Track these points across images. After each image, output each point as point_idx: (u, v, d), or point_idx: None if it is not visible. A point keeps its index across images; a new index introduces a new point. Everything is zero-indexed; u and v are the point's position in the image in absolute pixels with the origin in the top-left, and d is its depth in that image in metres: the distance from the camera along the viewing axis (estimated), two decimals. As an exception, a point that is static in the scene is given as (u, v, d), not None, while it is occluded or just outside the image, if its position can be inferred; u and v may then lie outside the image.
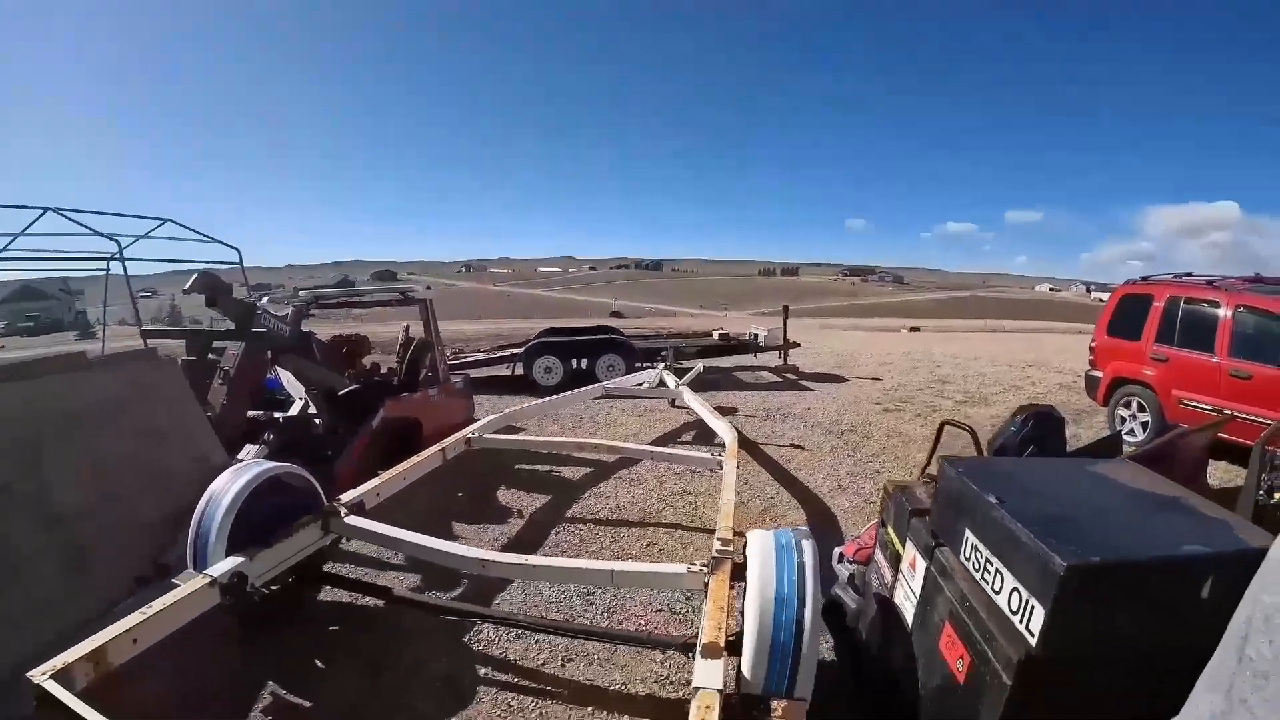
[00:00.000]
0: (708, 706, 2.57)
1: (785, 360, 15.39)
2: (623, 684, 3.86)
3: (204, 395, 6.57)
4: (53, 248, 12.08)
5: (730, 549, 3.66)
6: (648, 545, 5.70)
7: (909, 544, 3.34)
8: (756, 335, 15.20)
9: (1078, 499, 2.82)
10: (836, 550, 4.54)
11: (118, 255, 11.88)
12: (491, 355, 14.38)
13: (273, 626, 4.31)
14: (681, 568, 3.57)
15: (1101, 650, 2.31)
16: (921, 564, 3.16)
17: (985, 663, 2.50)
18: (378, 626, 4.43)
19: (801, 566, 3.07)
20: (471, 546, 4.02)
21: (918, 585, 3.17)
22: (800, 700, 2.86)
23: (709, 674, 2.75)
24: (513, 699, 3.75)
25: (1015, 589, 2.44)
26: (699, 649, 2.91)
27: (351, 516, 4.35)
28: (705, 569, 3.49)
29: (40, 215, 11.03)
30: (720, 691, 2.66)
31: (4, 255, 10.88)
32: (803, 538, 3.23)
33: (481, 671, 3.99)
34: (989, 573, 2.63)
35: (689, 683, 3.06)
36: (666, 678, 3.90)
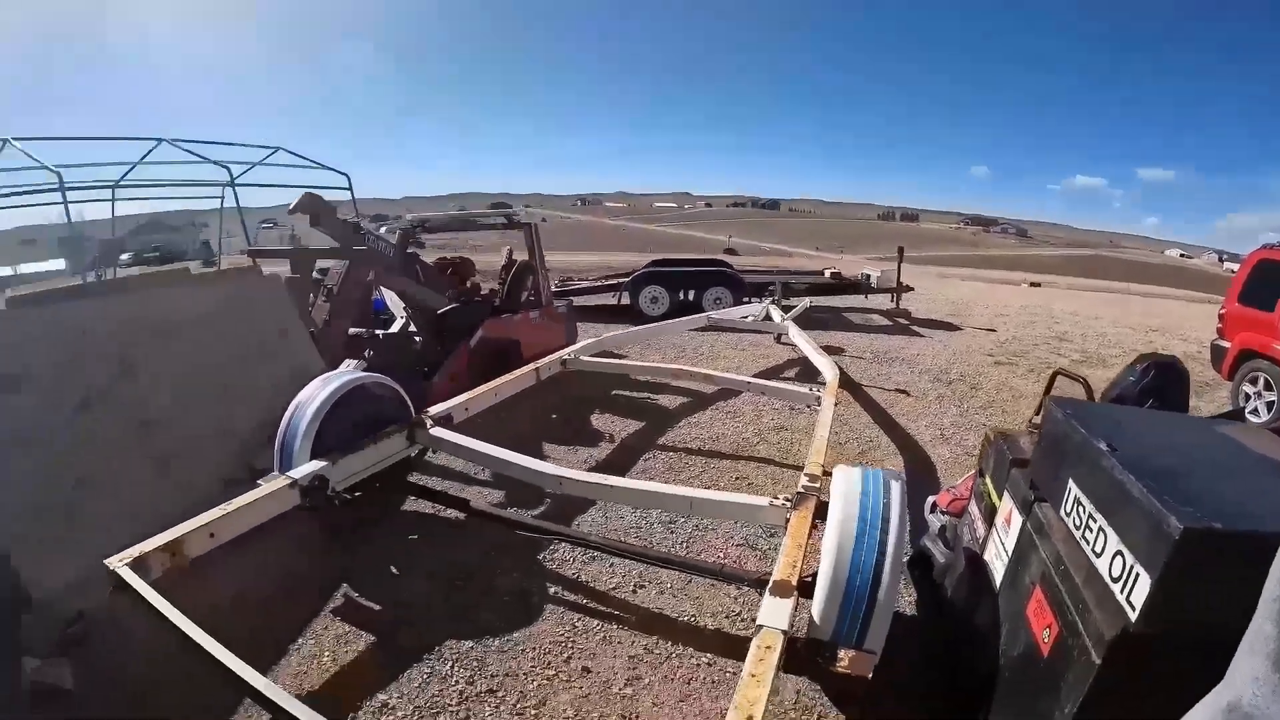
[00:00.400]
0: (768, 647, 2.41)
1: (897, 304, 14.88)
2: (693, 615, 3.77)
3: (307, 312, 6.69)
4: (170, 176, 12.62)
5: (817, 486, 3.49)
6: (736, 478, 5.57)
7: (1006, 496, 3.09)
8: (869, 276, 14.72)
9: (1201, 458, 2.48)
10: (930, 499, 4.30)
11: (230, 182, 12.25)
12: (598, 283, 14.31)
13: (352, 532, 4.37)
14: (764, 500, 3.42)
15: (1211, 632, 2.00)
16: (1018, 519, 2.90)
17: (1074, 635, 2.20)
18: (455, 540, 4.45)
19: (887, 509, 2.88)
20: (554, 465, 3.94)
21: (1011, 542, 2.92)
22: (870, 653, 2.70)
23: (775, 613, 2.60)
24: (579, 619, 3.71)
25: (1119, 553, 2.12)
26: (769, 586, 2.77)
27: (437, 428, 4.34)
28: (788, 504, 3.34)
29: (155, 146, 11.45)
30: (784, 632, 2.51)
31: (124, 184, 11.32)
32: (892, 479, 3.03)
33: (552, 590, 3.97)
34: (1090, 531, 2.34)
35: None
36: (738, 614, 3.79)
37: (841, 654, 2.66)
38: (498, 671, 3.36)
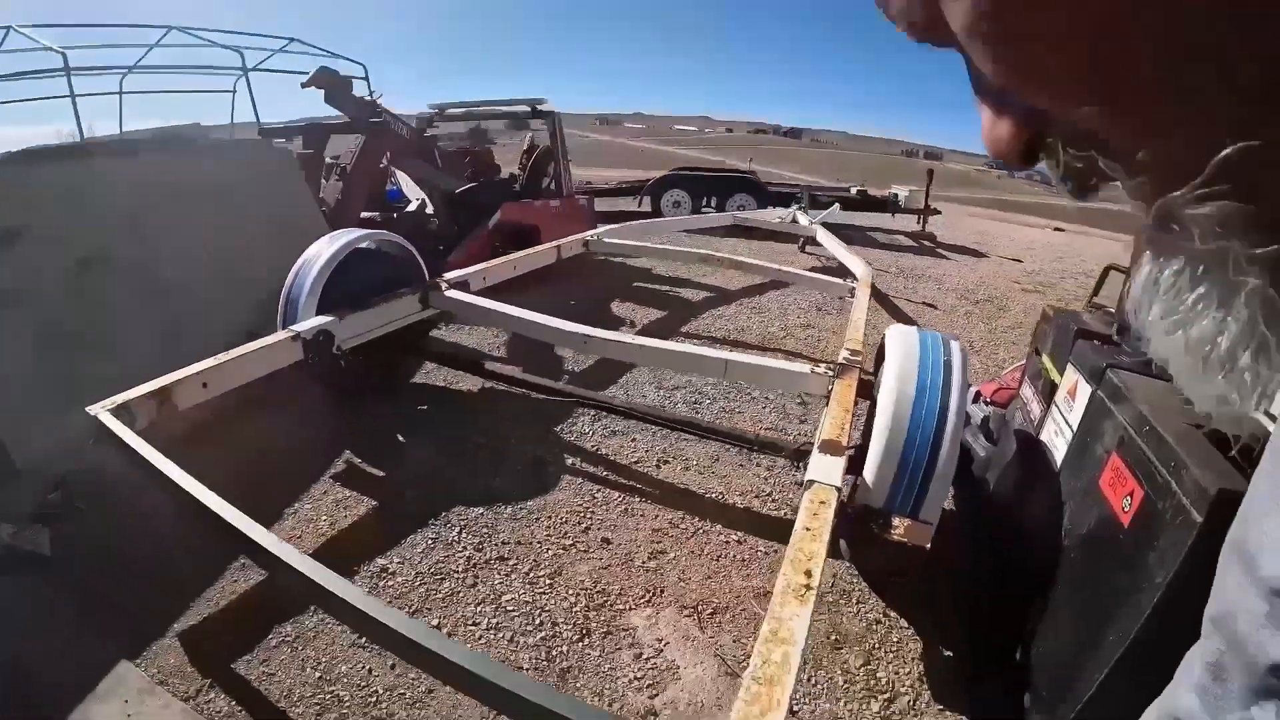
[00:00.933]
0: (822, 502, 2.17)
1: (923, 227, 14.45)
2: (720, 493, 3.55)
3: (319, 189, 6.46)
4: (182, 62, 12.30)
5: (859, 358, 3.26)
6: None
7: (1070, 370, 2.84)
8: (896, 195, 14.28)
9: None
10: (972, 389, 4.05)
11: (244, 68, 11.88)
12: (619, 185, 13.93)
13: (359, 399, 4.15)
14: (805, 367, 3.18)
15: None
16: (1085, 390, 2.65)
17: (1166, 497, 1.96)
18: (467, 412, 4.22)
19: (948, 368, 2.63)
20: (579, 324, 3.69)
21: (1076, 416, 2.67)
22: (926, 523, 2.48)
23: (827, 470, 2.35)
24: (598, 491, 3.49)
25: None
26: (816, 446, 2.52)
27: (453, 291, 4.08)
28: (831, 373, 3.09)
29: (166, 33, 11.08)
30: (838, 489, 2.27)
31: (136, 69, 10.99)
32: (951, 338, 2.78)
33: (569, 461, 3.74)
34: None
35: (800, 482, 2.70)
36: (769, 494, 3.57)
37: (896, 522, 2.45)
38: (509, 539, 3.16)
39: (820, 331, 6.34)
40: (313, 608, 2.71)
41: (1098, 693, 2.07)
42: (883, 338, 2.95)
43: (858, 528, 2.52)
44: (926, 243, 13.80)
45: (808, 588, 1.80)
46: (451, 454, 3.73)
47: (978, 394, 4.03)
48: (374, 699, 2.42)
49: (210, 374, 2.88)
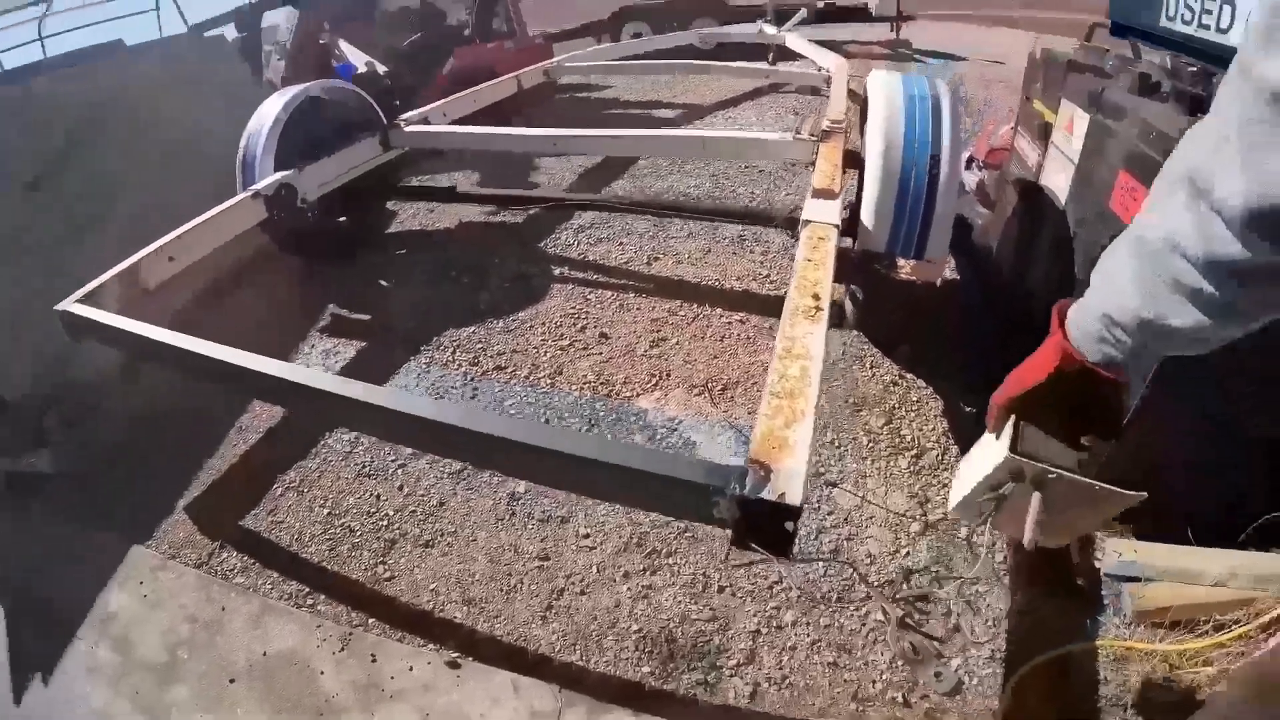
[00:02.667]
0: (821, 238, 2.06)
1: (897, 34, 13.92)
2: (716, 280, 3.46)
3: (260, 72, 6.13)
4: None
5: (842, 124, 3.09)
6: (745, 167, 5.08)
7: (1064, 104, 2.72)
8: (867, 3, 13.71)
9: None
10: (964, 154, 3.91)
11: None
12: (573, 27, 13.32)
13: (336, 255, 3.99)
14: (786, 135, 3.02)
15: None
16: (1083, 119, 2.54)
17: None
18: (447, 246, 4.07)
19: (937, 102, 2.49)
20: (547, 128, 3.51)
21: (1077, 147, 2.57)
22: (933, 264, 2.39)
23: (822, 210, 2.24)
24: (590, 293, 3.39)
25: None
26: (810, 193, 2.40)
27: (414, 127, 3.86)
28: (815, 138, 2.94)
29: None
30: (836, 227, 2.16)
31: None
32: (935, 75, 2.64)
33: (557, 271, 3.63)
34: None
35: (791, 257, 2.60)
36: (767, 276, 3.47)
37: (902, 262, 2.36)
38: (504, 349, 3.09)
39: (800, 128, 6.08)
40: (313, 450, 2.67)
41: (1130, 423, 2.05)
42: (865, 87, 2.79)
43: (863, 273, 2.42)
44: (902, 49, 13.33)
45: (817, 309, 1.71)
46: (436, 286, 3.62)
47: (970, 158, 3.90)
48: (385, 523, 2.39)
49: (174, 246, 2.68)
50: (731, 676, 1.96)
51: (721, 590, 2.15)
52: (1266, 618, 1.86)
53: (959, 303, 3.24)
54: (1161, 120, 2.09)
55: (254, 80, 5.54)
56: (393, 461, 2.60)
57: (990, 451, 1.13)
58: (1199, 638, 1.93)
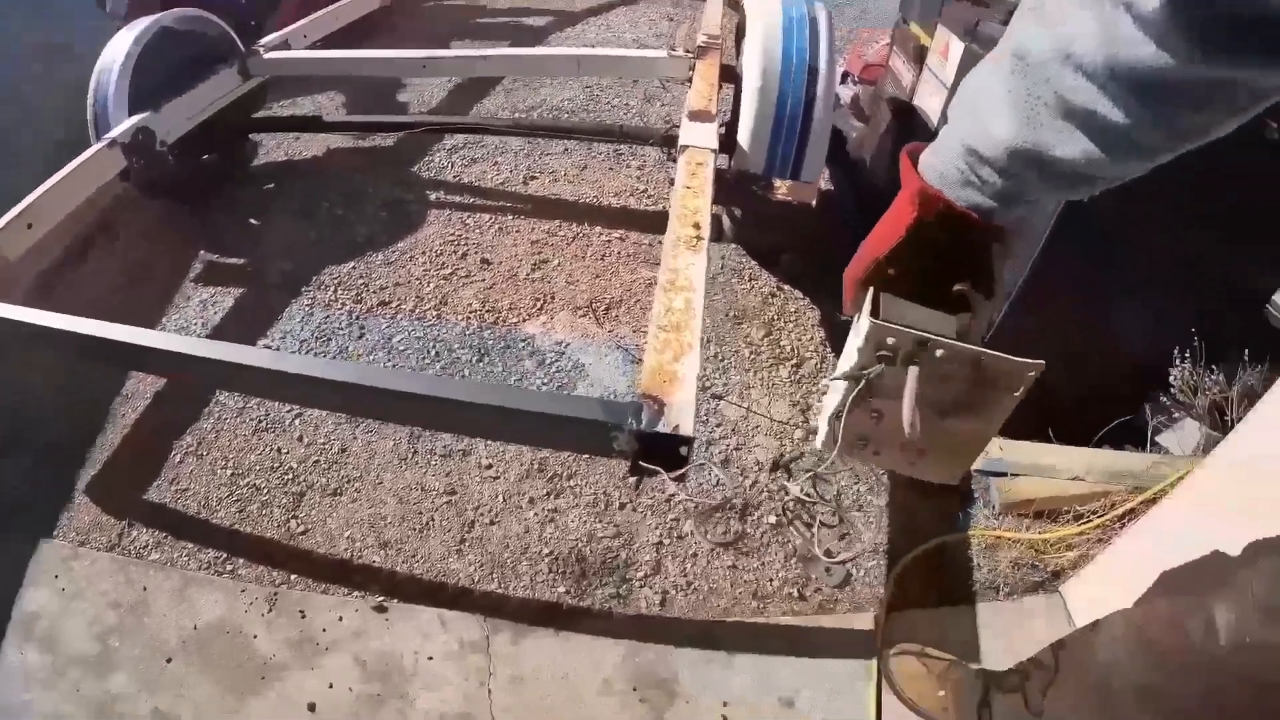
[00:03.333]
0: (699, 163, 2.11)
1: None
2: (594, 197, 3.46)
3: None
4: None
5: (718, 39, 3.08)
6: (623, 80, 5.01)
7: (940, 30, 2.78)
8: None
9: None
10: (840, 70, 3.97)
11: None
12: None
13: (201, 198, 3.72)
14: (660, 52, 3.03)
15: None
16: (958, 47, 2.61)
17: None
18: (316, 176, 3.89)
19: (814, 23, 2.51)
20: (414, 49, 3.39)
21: (950, 73, 2.65)
22: (809, 183, 2.45)
23: (699, 134, 2.27)
24: (468, 218, 3.34)
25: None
26: (685, 114, 2.42)
27: (274, 53, 3.63)
28: (690, 55, 2.94)
29: None
30: (714, 151, 2.19)
31: None
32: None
33: (433, 196, 3.55)
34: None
35: (671, 182, 2.62)
36: (644, 191, 3.50)
37: (778, 183, 2.41)
38: (387, 283, 3.03)
39: (676, 40, 6.00)
40: (206, 410, 2.59)
41: (998, 330, 2.16)
42: (741, 9, 2.80)
43: (739, 193, 2.47)
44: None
45: (698, 238, 1.75)
46: (309, 220, 3.48)
47: (845, 73, 3.96)
48: (290, 477, 2.37)
49: (31, 212, 2.46)
50: (641, 587, 2.08)
51: (623, 507, 2.25)
52: (1121, 509, 2.05)
53: (834, 215, 3.35)
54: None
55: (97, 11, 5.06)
56: (288, 412, 2.56)
57: (849, 346, 0.98)
58: (1061, 526, 2.14)
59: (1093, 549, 2.05)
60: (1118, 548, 1.95)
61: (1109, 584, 1.89)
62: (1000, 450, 2.33)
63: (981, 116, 0.74)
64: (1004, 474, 2.30)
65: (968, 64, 2.50)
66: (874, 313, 0.88)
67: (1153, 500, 1.99)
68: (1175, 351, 2.16)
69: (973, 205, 0.80)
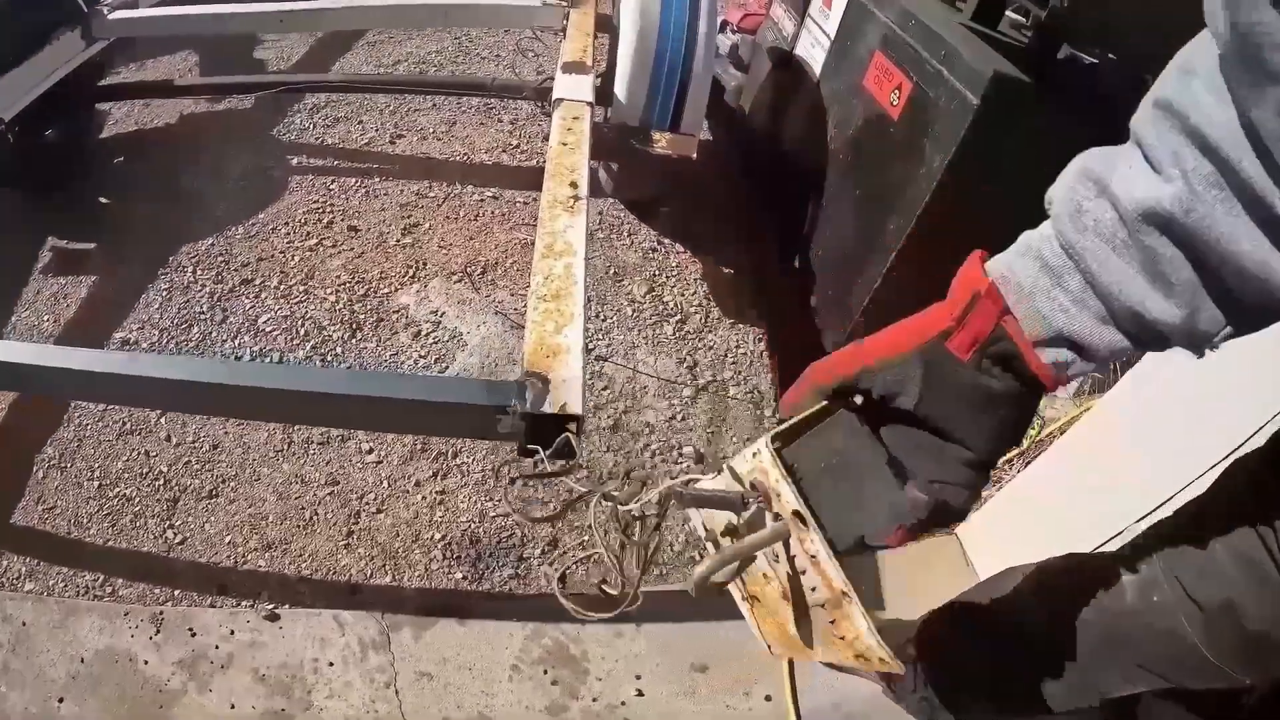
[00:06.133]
0: (575, 117, 2.02)
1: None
2: (465, 155, 3.32)
3: None
4: None
5: (592, -13, 2.97)
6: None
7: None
8: None
9: None
10: (718, 19, 3.91)
11: None
12: None
13: (47, 178, 3.38)
14: (534, 1, 2.89)
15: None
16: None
17: (937, 85, 1.98)
18: (168, 147, 3.59)
19: None
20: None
21: (834, 24, 2.62)
22: (689, 135, 2.39)
23: (574, 87, 2.18)
24: (333, 182, 3.15)
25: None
26: (560, 66, 2.32)
27: (119, 12, 3.31)
28: (564, 4, 2.82)
29: None
30: (590, 105, 2.10)
31: None
32: None
33: (294, 161, 3.34)
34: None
35: (546, 137, 2.52)
36: (517, 147, 3.38)
37: (657, 135, 2.34)
38: (249, 260, 2.83)
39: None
40: (66, 416, 2.36)
41: (884, 280, 2.16)
42: None
43: (617, 147, 2.40)
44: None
45: (575, 198, 1.67)
46: (163, 196, 3.22)
47: (724, 23, 3.89)
48: (161, 482, 2.18)
49: None
50: (540, 565, 2.02)
51: (513, 482, 2.16)
52: (1013, 451, 2.08)
53: (713, 166, 3.29)
54: (920, 8, 2.18)
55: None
56: (154, 411, 2.36)
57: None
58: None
59: (987, 491, 2.05)
60: (1011, 489, 1.97)
61: (1004, 525, 1.93)
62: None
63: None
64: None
65: (852, 14, 2.48)
66: (784, 439, 0.72)
67: (1046, 441, 2.02)
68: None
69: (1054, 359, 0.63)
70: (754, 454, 0.71)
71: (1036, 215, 0.64)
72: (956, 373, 0.64)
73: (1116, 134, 0.60)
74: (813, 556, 0.69)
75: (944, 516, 0.67)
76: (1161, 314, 0.56)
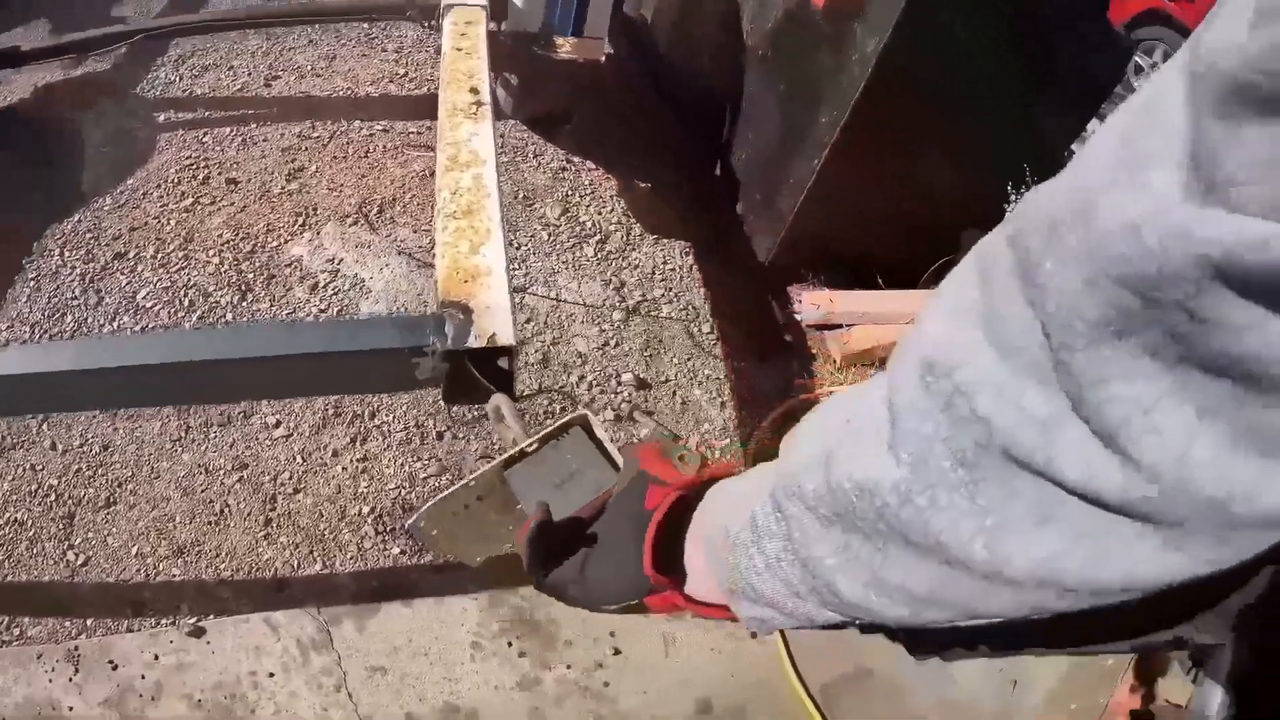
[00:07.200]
0: (469, 22, 1.87)
1: None
2: (349, 89, 3.09)
3: None
4: None
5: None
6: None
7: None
8: None
9: None
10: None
11: None
12: None
13: None
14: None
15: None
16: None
17: None
18: (24, 120, 3.20)
19: None
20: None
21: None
22: (596, 38, 2.23)
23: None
24: (205, 135, 2.89)
25: None
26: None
27: None
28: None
29: None
30: (483, 8, 1.94)
31: None
32: None
33: (161, 118, 3.05)
34: None
35: (433, 81, 2.34)
36: (404, 75, 3.17)
37: (560, 40, 2.19)
38: (120, 231, 2.57)
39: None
40: None
41: (819, 178, 2.10)
42: None
43: (516, 57, 2.23)
44: None
45: (478, 104, 1.49)
46: (17, 177, 2.90)
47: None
48: (54, 498, 1.94)
49: None
50: None
51: (441, 436, 2.02)
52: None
53: (618, 78, 3.14)
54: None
55: None
56: (30, 418, 2.11)
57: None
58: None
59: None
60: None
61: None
62: (830, 303, 2.29)
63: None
64: (839, 326, 2.26)
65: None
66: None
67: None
68: (1009, 186, 2.09)
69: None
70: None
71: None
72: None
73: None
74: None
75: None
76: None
